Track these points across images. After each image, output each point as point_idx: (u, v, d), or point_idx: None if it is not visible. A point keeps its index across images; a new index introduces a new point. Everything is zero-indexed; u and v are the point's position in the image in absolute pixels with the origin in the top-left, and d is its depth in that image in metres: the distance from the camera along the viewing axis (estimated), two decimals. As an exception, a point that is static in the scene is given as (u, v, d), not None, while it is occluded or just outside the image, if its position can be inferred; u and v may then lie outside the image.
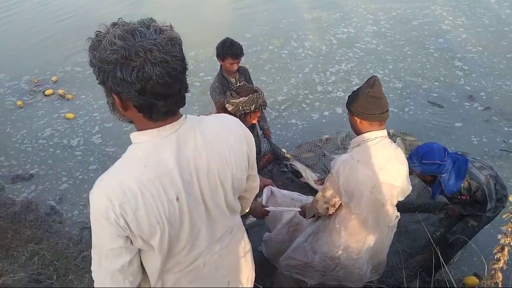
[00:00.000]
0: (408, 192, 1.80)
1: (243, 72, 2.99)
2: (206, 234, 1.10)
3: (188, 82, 1.00)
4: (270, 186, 2.26)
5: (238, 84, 2.20)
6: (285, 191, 2.33)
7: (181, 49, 0.94)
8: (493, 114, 4.01)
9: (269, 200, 2.21)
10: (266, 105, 2.17)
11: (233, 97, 2.08)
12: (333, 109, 4.32)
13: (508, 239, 1.07)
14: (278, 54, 5.61)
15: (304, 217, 2.14)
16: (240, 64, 2.87)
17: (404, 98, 4.36)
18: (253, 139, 1.18)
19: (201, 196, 1.05)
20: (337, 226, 1.84)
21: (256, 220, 2.77)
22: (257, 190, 1.36)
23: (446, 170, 2.13)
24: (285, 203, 2.22)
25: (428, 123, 3.95)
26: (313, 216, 2.06)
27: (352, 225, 1.80)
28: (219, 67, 2.90)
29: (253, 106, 2.08)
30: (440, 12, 6.62)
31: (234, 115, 2.06)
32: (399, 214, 1.85)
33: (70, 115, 4.61)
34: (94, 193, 0.96)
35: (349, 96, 1.73)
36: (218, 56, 2.79)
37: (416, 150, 2.21)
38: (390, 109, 4.20)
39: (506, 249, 1.07)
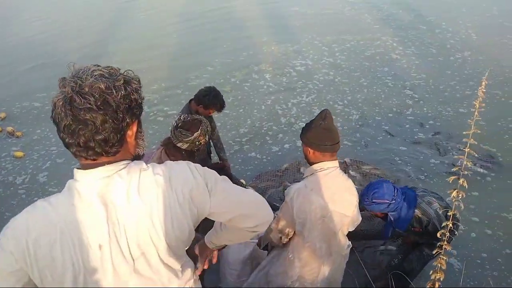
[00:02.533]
0: (358, 222, 1.89)
1: None
2: None
3: (151, 117, 1.04)
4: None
5: (180, 120, 2.14)
6: None
7: (100, 103, 0.93)
8: (442, 139, 4.34)
9: None
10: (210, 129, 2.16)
11: (184, 135, 2.06)
12: (294, 142, 4.47)
13: (439, 274, 1.17)
14: (240, 86, 5.79)
15: (261, 248, 2.17)
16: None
17: (362, 128, 4.62)
18: (206, 194, 1.10)
19: (128, 249, 1.01)
20: (290, 256, 1.89)
21: None
22: (250, 234, 1.25)
23: (396, 208, 2.23)
24: None
25: (385, 151, 4.19)
26: (267, 245, 2.11)
27: (305, 255, 1.84)
28: (184, 102, 2.93)
29: (207, 136, 2.09)
30: (391, 43, 7.18)
31: (191, 151, 2.08)
32: (350, 244, 1.93)
33: (19, 154, 4.49)
34: (16, 218, 0.99)
35: (303, 128, 1.85)
36: (200, 103, 2.81)
37: (367, 188, 2.30)
38: (350, 139, 4.42)
39: (437, 284, 1.17)
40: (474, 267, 2.86)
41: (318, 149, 1.76)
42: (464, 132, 1.47)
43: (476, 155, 3.83)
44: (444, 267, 1.37)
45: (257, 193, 1.24)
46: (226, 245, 1.93)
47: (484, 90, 1.47)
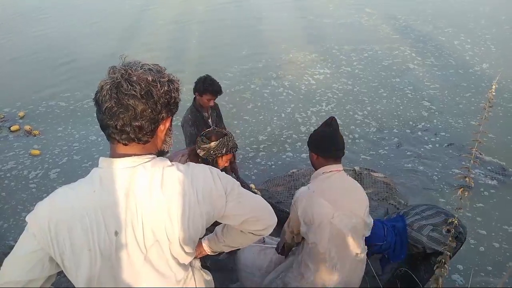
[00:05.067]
0: (371, 225, 2.01)
1: (215, 107, 3.37)
2: (149, 279, 1.15)
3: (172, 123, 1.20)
4: None
5: (208, 129, 2.37)
6: None
7: (144, 93, 1.05)
8: (455, 150, 4.67)
9: None
10: (237, 148, 2.36)
11: (203, 142, 2.24)
12: (307, 150, 4.75)
13: (442, 270, 1.44)
14: (260, 93, 6.22)
15: (278, 252, 2.31)
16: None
17: (379, 141, 4.93)
18: (223, 198, 1.20)
19: (143, 238, 1.10)
20: (305, 258, 1.99)
21: (227, 259, 2.94)
22: (255, 237, 1.38)
23: (389, 246, 2.37)
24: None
25: (399, 162, 4.50)
26: (283, 247, 2.23)
27: (316, 257, 1.94)
28: (192, 100, 3.22)
29: (224, 149, 2.26)
30: (409, 53, 7.60)
31: (206, 160, 2.28)
32: (366, 248, 2.02)
33: (36, 151, 4.90)
34: (40, 202, 1.09)
35: (310, 134, 2.04)
36: (196, 91, 3.13)
37: None
38: (367, 149, 4.72)
39: (440, 280, 1.44)
40: (478, 282, 3.09)
41: (322, 155, 1.93)
42: (472, 140, 1.60)
43: (488, 167, 4.23)
44: (448, 263, 1.54)
45: (262, 198, 1.38)
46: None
47: (494, 93, 1.56)
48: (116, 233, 1.07)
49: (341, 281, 1.96)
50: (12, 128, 5.35)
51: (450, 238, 2.30)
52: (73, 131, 5.36)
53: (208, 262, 2.55)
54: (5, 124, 5.51)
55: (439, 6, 10.37)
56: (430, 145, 4.81)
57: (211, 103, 3.17)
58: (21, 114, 5.75)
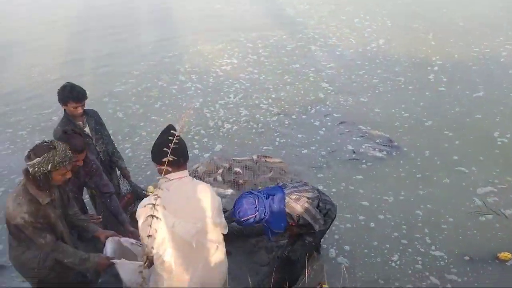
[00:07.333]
0: (223, 226, 2.12)
1: (92, 115, 3.18)
2: None
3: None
4: (113, 237, 2.44)
5: (37, 143, 2.21)
6: (132, 240, 2.48)
7: None
8: (346, 128, 5.09)
9: (117, 251, 2.38)
10: (72, 160, 2.22)
11: (29, 159, 2.11)
12: (213, 146, 4.90)
13: None
14: (168, 90, 6.32)
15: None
16: (86, 108, 3.08)
17: (279, 128, 5.21)
18: None
19: None
20: (157, 268, 2.06)
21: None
22: None
23: (265, 216, 2.58)
24: (136, 251, 2.41)
25: (297, 149, 4.78)
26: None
27: (163, 266, 2.02)
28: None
29: (50, 165, 2.10)
30: (312, 35, 8.09)
31: (34, 177, 2.13)
32: (222, 244, 2.14)
33: None
34: None
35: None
36: (60, 101, 3.01)
37: (233, 209, 2.60)
38: (267, 137, 4.91)
39: None
40: (361, 264, 3.27)
41: (160, 164, 1.93)
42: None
43: (377, 141, 4.76)
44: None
45: None
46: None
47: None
48: None
49: (197, 281, 2.09)
50: None
51: (319, 215, 2.69)
52: None
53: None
54: None
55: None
56: (324, 129, 5.17)
57: (79, 110, 3.05)
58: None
